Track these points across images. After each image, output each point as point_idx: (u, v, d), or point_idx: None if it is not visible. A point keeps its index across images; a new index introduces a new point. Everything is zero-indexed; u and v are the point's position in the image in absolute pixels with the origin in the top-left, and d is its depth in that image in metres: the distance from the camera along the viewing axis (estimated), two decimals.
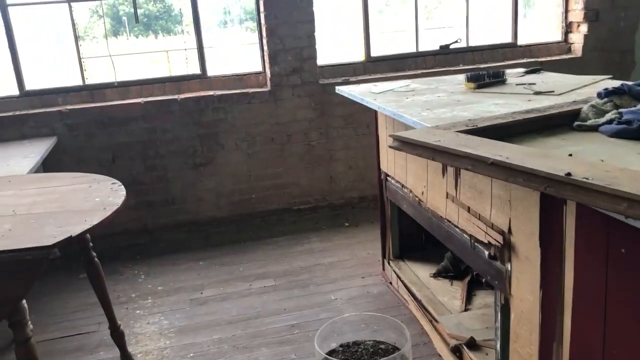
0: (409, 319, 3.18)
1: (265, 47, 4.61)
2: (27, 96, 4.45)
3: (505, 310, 2.25)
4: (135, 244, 4.57)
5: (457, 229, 2.54)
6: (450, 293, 3.19)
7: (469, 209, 2.38)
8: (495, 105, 2.48)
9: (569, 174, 1.25)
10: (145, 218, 4.66)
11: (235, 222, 4.77)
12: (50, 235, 1.97)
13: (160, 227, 4.69)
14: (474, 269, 2.74)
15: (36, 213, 2.25)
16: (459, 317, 2.94)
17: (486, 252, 2.29)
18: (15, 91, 4.44)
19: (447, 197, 2.58)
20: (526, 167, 1.35)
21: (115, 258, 4.33)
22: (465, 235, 2.46)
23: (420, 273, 3.43)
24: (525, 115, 1.96)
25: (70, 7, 4.40)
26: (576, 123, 1.97)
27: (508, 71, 3.36)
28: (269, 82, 4.65)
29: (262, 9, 4.53)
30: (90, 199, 2.39)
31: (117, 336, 2.86)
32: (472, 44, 5.20)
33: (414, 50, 5.11)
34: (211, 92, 4.58)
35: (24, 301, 3.20)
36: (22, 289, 1.93)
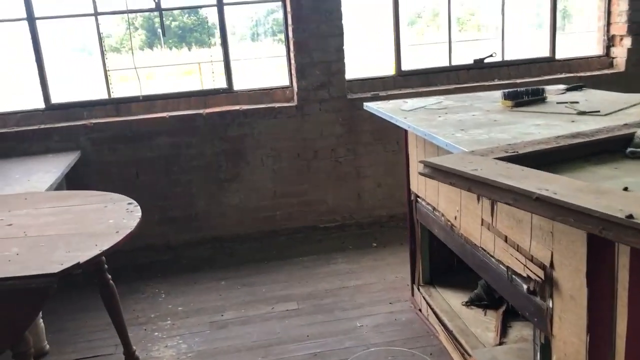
0: (439, 351, 2.99)
1: (293, 61, 4.49)
2: (53, 110, 4.41)
3: (545, 350, 2.05)
4: (157, 261, 4.48)
5: (492, 259, 2.35)
6: (483, 324, 2.99)
7: (506, 239, 2.19)
8: (536, 127, 2.30)
9: (630, 216, 1.08)
10: (168, 234, 4.57)
11: (259, 240, 4.64)
12: (57, 261, 1.87)
13: (183, 243, 4.59)
14: (511, 303, 2.54)
15: (47, 235, 2.15)
16: (493, 352, 2.74)
17: (525, 286, 2.10)
18: (41, 104, 4.42)
19: (482, 224, 2.39)
20: (578, 205, 1.17)
21: (137, 275, 4.25)
22: (502, 266, 2.27)
23: (451, 301, 3.24)
24: (572, 140, 1.78)
25: (96, 20, 4.36)
26: (630, 149, 1.78)
27: (548, 88, 3.16)
28: (295, 97, 4.53)
29: (290, 22, 4.42)
30: (104, 221, 2.29)
31: None
32: (507, 58, 5.00)
33: (446, 64, 4.94)
34: (237, 107, 4.48)
35: (41, 323, 3.15)
36: (26, 318, 1.82)
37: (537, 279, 1.98)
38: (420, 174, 1.66)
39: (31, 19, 4.23)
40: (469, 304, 3.18)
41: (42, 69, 4.36)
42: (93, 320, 3.58)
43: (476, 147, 1.98)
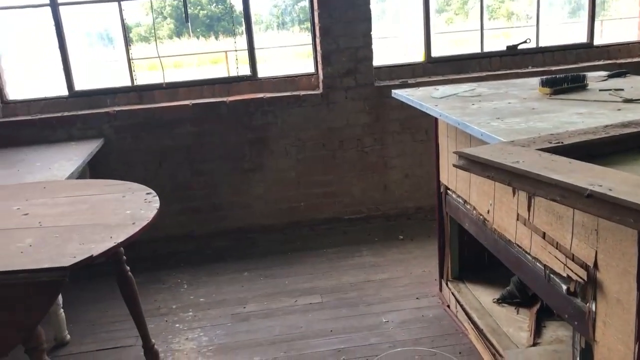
0: (468, 350, 2.86)
1: (319, 48, 4.36)
2: (76, 97, 4.37)
3: (586, 356, 1.91)
4: (180, 251, 4.42)
5: (528, 256, 2.21)
6: (516, 323, 2.84)
7: (544, 235, 2.05)
8: (579, 115, 2.13)
9: None
10: (191, 224, 4.50)
11: (283, 231, 4.54)
12: (70, 254, 1.79)
13: (206, 233, 4.52)
14: (547, 303, 2.40)
15: (62, 226, 2.08)
16: (526, 353, 2.60)
17: (564, 287, 1.95)
18: (64, 91, 4.37)
19: (517, 219, 2.25)
20: (638, 203, 1.03)
21: (160, 265, 4.20)
22: (539, 265, 2.12)
23: (482, 297, 3.10)
24: (623, 129, 1.63)
25: (120, 6, 4.28)
26: None
27: (588, 75, 2.97)
28: (321, 84, 4.40)
29: (316, 7, 4.29)
30: (121, 211, 2.21)
31: (151, 356, 2.68)
32: (542, 44, 4.79)
33: (478, 50, 4.75)
34: (261, 95, 4.37)
35: (62, 313, 3.11)
36: (37, 313, 1.75)
37: (579, 279, 1.84)
38: (455, 166, 1.53)
39: (54, 5, 4.17)
40: (501, 301, 3.03)
41: (66, 56, 4.31)
42: (114, 310, 3.53)
43: (514, 136, 1.84)
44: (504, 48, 4.73)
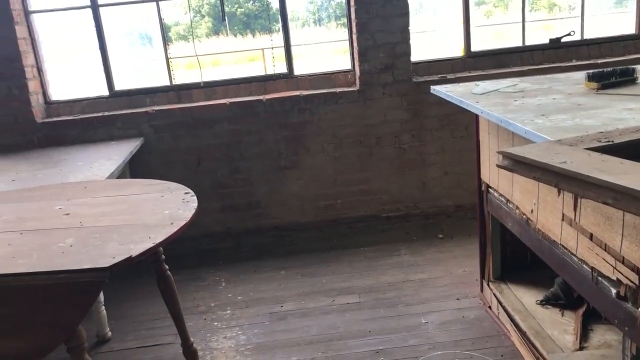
0: (510, 353, 2.79)
1: (355, 44, 4.31)
2: (117, 97, 4.44)
3: None
4: (219, 248, 4.45)
5: (574, 258, 2.13)
6: (561, 325, 2.75)
7: (591, 237, 1.96)
8: (629, 112, 2.04)
9: None
10: (229, 221, 4.53)
11: (320, 229, 4.52)
12: (109, 254, 1.81)
13: (244, 231, 4.54)
14: (595, 307, 2.30)
15: (102, 226, 2.10)
16: (572, 357, 2.51)
17: (613, 291, 1.87)
18: (105, 91, 4.45)
19: (562, 219, 2.17)
20: None
21: (199, 262, 4.24)
22: (586, 267, 2.04)
23: (525, 299, 3.01)
24: None
25: (158, 6, 4.33)
26: None
27: (638, 68, 2.84)
28: (358, 81, 4.35)
29: (352, 2, 4.24)
30: (159, 211, 2.22)
31: (189, 354, 2.69)
32: (587, 36, 4.63)
33: (519, 44, 4.62)
34: (297, 92, 4.35)
35: (103, 310, 3.16)
36: (78, 313, 1.77)
37: (630, 283, 1.76)
38: (499, 166, 1.48)
39: (95, 7, 4.24)
40: (544, 303, 2.94)
41: (106, 56, 4.38)
42: (155, 307, 3.57)
43: (560, 135, 1.76)
44: (547, 41, 4.59)
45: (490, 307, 3.18)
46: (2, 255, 1.90)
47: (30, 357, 1.79)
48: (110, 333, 3.31)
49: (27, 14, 4.24)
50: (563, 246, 2.20)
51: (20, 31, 4.15)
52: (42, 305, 1.77)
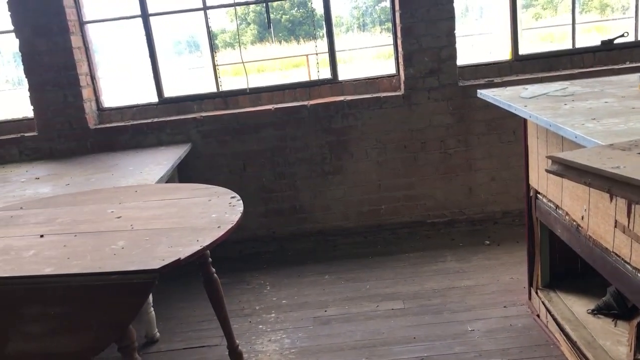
0: None
1: (400, 48, 4.30)
2: (165, 103, 4.55)
3: None
4: (263, 252, 4.51)
5: (628, 266, 2.06)
6: (614, 336, 2.66)
7: None
8: None
9: None
10: (274, 226, 4.57)
11: (364, 234, 4.51)
12: (159, 256, 1.86)
13: (288, 235, 4.57)
14: None
15: (152, 229, 2.16)
16: None
17: None
18: (154, 98, 4.57)
19: (615, 226, 2.10)
20: None
21: (244, 266, 4.30)
22: None
23: (575, 307, 2.92)
24: None
25: (205, 14, 4.42)
26: None
27: None
28: (402, 86, 4.33)
29: (397, 7, 4.23)
30: (207, 215, 2.27)
31: (235, 356, 2.74)
32: None
33: (569, 46, 4.51)
34: (341, 98, 4.37)
35: (152, 312, 3.24)
36: (129, 313, 1.82)
37: None
38: (548, 171, 1.44)
39: (145, 16, 4.37)
40: (596, 312, 2.85)
41: (156, 64, 4.51)
42: (202, 309, 3.64)
43: (613, 139, 1.72)
44: (598, 43, 4.46)
45: (538, 316, 3.11)
46: (58, 256, 1.98)
47: (83, 355, 1.85)
48: (158, 334, 3.39)
49: (81, 24, 4.40)
50: (616, 254, 2.13)
51: (75, 41, 4.31)
52: (94, 305, 1.83)
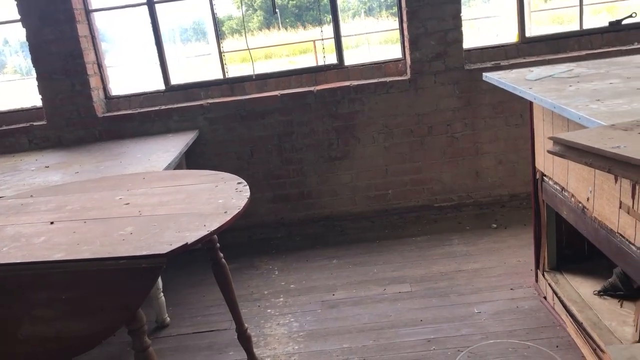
0: (566, 344, 2.73)
1: (406, 32, 4.28)
2: (172, 91, 4.57)
3: None
4: (271, 237, 4.54)
5: (632, 247, 2.07)
6: (619, 317, 2.67)
7: None
8: None
9: None
10: (282, 211, 4.60)
11: (371, 219, 4.53)
12: (167, 241, 1.88)
13: (296, 220, 4.60)
14: None
15: (160, 215, 2.19)
16: (632, 350, 2.42)
17: None
18: (161, 86, 4.59)
19: (620, 207, 2.11)
20: None
21: (253, 251, 4.34)
22: None
23: (581, 289, 2.94)
24: None
25: (211, 1, 4.42)
26: None
27: None
28: (409, 70, 4.32)
29: None
30: (214, 201, 2.29)
31: (244, 339, 2.77)
32: None
33: (577, 28, 4.47)
34: (347, 83, 4.37)
35: (162, 297, 3.29)
36: (138, 297, 1.85)
37: None
38: (550, 152, 1.45)
39: (151, 3, 4.38)
40: (602, 293, 2.86)
41: (162, 52, 4.52)
42: (210, 294, 3.69)
43: (616, 120, 1.72)
44: (606, 24, 4.42)
45: (545, 298, 3.12)
46: (68, 242, 2.01)
47: (94, 338, 1.89)
48: (168, 319, 3.44)
49: (87, 12, 4.42)
50: (621, 235, 2.14)
51: (82, 29, 4.33)
52: (104, 289, 1.87)
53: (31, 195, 2.75)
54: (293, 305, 3.47)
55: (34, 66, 4.34)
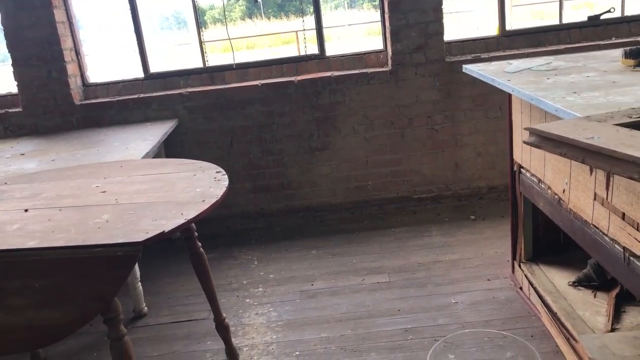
0: (540, 333, 2.78)
1: (387, 24, 4.28)
2: (152, 79, 4.52)
3: None
4: (251, 228, 4.53)
5: (606, 238, 2.10)
6: (593, 307, 2.72)
7: (623, 216, 1.93)
8: None
9: None
10: (261, 202, 4.59)
11: (351, 210, 4.55)
12: (143, 230, 1.86)
13: (275, 211, 4.60)
14: (627, 288, 2.27)
15: (137, 203, 2.17)
16: (603, 339, 2.48)
17: None
18: (140, 74, 4.54)
19: (594, 199, 2.14)
20: None
21: (232, 241, 4.33)
22: (617, 247, 2.02)
23: (556, 280, 2.98)
24: None
25: None
26: None
27: None
28: (390, 61, 4.33)
29: None
30: (191, 189, 2.27)
31: (222, 329, 2.76)
32: (628, 12, 4.48)
33: (556, 22, 4.51)
34: (329, 73, 4.36)
35: (139, 286, 3.27)
36: (113, 285, 1.83)
37: None
38: (526, 142, 1.47)
39: None
40: (577, 284, 2.91)
41: (141, 40, 4.46)
42: (189, 284, 3.67)
43: (591, 111, 1.74)
44: (585, 19, 4.47)
45: (521, 288, 3.16)
46: (43, 230, 1.98)
47: (69, 327, 1.87)
48: (146, 308, 3.42)
49: None
50: (595, 226, 2.17)
51: (59, 15, 4.25)
52: (79, 277, 1.84)
53: (5, 183, 2.70)
54: (272, 295, 3.48)
55: (9, 52, 4.26)
